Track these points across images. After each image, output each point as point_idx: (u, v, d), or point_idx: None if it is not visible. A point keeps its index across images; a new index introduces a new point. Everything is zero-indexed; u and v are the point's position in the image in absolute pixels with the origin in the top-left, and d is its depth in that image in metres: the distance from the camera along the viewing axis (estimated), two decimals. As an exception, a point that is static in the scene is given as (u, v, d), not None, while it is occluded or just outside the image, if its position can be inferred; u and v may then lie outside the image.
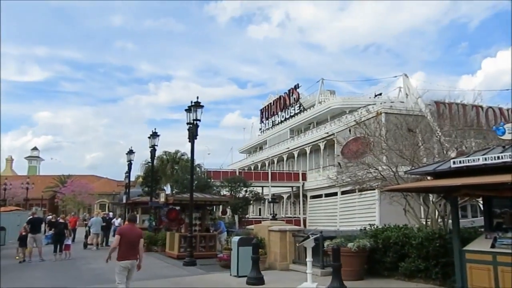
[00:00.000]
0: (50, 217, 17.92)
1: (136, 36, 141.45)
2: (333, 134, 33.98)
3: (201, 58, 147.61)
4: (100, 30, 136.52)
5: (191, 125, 14.06)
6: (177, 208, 15.81)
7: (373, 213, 28.23)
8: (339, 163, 16.25)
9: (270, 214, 13.91)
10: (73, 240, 18.73)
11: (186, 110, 14.38)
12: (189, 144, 14.05)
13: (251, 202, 30.53)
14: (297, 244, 9.89)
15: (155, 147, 19.43)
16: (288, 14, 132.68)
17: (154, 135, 19.29)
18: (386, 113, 28.21)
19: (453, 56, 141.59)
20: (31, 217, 14.57)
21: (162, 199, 15.78)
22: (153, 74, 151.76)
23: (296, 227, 13.43)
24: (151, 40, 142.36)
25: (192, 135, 13.85)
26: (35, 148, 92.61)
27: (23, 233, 13.87)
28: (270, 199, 13.69)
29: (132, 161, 24.53)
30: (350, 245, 10.32)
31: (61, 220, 15.24)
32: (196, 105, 13.78)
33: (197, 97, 13.97)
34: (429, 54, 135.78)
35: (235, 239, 11.15)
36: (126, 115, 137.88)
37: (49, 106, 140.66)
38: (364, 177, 14.33)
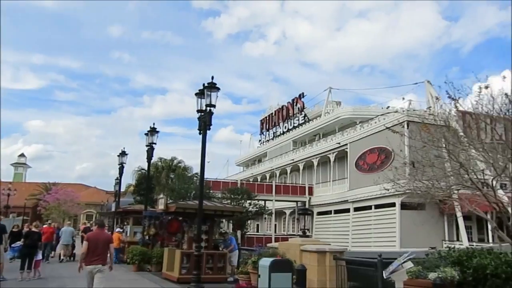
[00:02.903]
0: (25, 228, 14.75)
1: (133, 47, 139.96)
2: (346, 144, 31.23)
3: (197, 72, 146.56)
4: (98, 40, 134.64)
5: (202, 113, 11.11)
6: (179, 218, 12.70)
7: (393, 232, 25.27)
8: (412, 162, 13.09)
9: (300, 230, 10.87)
10: (44, 256, 15.52)
11: (196, 94, 11.45)
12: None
13: (263, 215, 27.43)
14: (384, 275, 6.79)
15: (153, 145, 16.40)
16: (285, 32, 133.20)
17: (153, 131, 16.28)
18: (409, 121, 25.46)
19: (444, 80, 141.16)
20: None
21: (161, 206, 12.67)
22: (148, 86, 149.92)
23: (337, 248, 10.38)
24: (148, 52, 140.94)
25: (205, 125, 10.88)
26: (22, 155, 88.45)
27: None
28: (298, 213, 10.64)
29: (124, 164, 21.39)
30: (432, 275, 7.33)
31: (34, 229, 12.03)
32: (211, 87, 10.85)
33: (212, 77, 11.04)
34: (422, 77, 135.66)
35: (265, 262, 8.12)
36: (119, 126, 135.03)
37: (41, 115, 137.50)
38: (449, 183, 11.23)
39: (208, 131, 11.09)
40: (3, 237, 11.24)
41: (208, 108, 10.96)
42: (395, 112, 28.17)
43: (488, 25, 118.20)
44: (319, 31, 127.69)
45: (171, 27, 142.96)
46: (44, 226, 17.79)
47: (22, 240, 12.10)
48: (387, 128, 19.50)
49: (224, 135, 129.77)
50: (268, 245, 12.03)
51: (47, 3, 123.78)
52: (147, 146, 16.52)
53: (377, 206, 27.06)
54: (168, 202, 12.82)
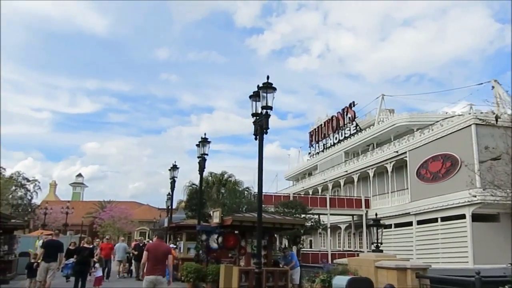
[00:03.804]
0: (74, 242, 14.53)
1: (179, 68, 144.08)
2: (405, 153, 29.23)
3: (241, 90, 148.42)
4: (146, 62, 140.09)
5: (257, 117, 10.22)
6: (236, 232, 11.78)
7: (464, 247, 22.91)
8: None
9: (373, 244, 9.58)
10: (105, 273, 15.22)
11: (251, 97, 10.60)
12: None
13: (318, 229, 26.04)
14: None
15: (205, 156, 15.73)
16: (328, 45, 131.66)
17: (204, 141, 15.63)
18: (476, 124, 23.27)
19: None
20: (45, 240, 11.10)
21: (215, 219, 11.84)
22: (195, 105, 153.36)
23: (420, 264, 8.98)
24: (194, 72, 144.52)
25: (261, 128, 9.96)
26: (79, 175, 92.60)
27: (32, 260, 10.38)
28: (368, 225, 9.40)
29: (175, 178, 20.96)
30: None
31: (85, 245, 11.60)
32: (267, 87, 9.97)
33: (268, 77, 10.17)
34: (473, 84, 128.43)
35: (341, 280, 6.99)
36: (168, 145, 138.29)
37: (96, 137, 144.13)
38: None
39: (265, 135, 10.15)
40: (59, 255, 10.84)
41: (264, 111, 10.08)
42: (460, 115, 25.99)
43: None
44: (363, 42, 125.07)
45: (216, 47, 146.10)
46: (103, 242, 17.63)
47: (75, 256, 11.70)
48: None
49: (270, 151, 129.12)
50: (336, 261, 10.79)
51: (98, 30, 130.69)
52: (198, 157, 15.85)
53: (444, 219, 24.79)
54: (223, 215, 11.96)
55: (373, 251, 9.72)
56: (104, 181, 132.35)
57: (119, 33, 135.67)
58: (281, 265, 11.89)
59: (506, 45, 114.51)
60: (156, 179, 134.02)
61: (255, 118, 10.46)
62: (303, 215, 25.33)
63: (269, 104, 10.04)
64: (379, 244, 9.64)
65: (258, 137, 10.16)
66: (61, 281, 12.75)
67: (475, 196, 19.82)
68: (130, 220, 56.38)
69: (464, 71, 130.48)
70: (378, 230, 9.69)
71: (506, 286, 6.45)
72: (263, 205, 24.66)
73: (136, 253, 16.97)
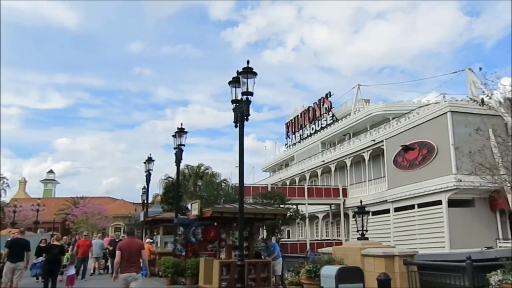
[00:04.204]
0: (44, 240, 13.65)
1: (153, 62, 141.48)
2: (381, 141, 29.37)
3: (217, 83, 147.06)
4: (119, 57, 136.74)
5: (237, 103, 9.79)
6: (215, 224, 11.34)
7: (441, 232, 23.21)
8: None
9: (358, 231, 9.34)
10: (80, 272, 14.55)
11: (230, 83, 10.16)
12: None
13: (297, 219, 25.88)
14: None
15: (182, 147, 15.19)
16: (303, 39, 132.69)
17: (181, 131, 15.08)
18: (452, 111, 23.51)
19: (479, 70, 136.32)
20: (10, 238, 10.34)
21: (194, 211, 11.36)
22: (170, 99, 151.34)
23: (407, 251, 8.79)
24: (168, 66, 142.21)
25: (242, 115, 9.52)
26: (50, 171, 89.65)
27: (-4, 261, 9.67)
28: (354, 212, 9.16)
29: (151, 171, 20.33)
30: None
31: (55, 243, 10.89)
32: (247, 72, 9.54)
33: (248, 61, 9.71)
34: (444, 75, 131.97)
35: (329, 271, 6.67)
36: (143, 140, 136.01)
37: (68, 133, 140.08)
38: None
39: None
40: (26, 254, 10.12)
41: (245, 97, 9.64)
42: (436, 103, 26.20)
43: (509, 19, 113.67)
44: (337, 35, 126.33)
45: (190, 40, 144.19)
46: (80, 238, 16.82)
47: (44, 255, 10.99)
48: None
49: (246, 143, 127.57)
50: (320, 250, 10.52)
51: (68, 25, 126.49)
52: (175, 148, 15.34)
53: (420, 205, 25.06)
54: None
55: (358, 239, 9.48)
56: (77, 178, 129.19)
57: (90, 27, 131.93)
58: (263, 257, 11.56)
59: (474, 37, 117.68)
60: (130, 174, 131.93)
61: (235, 105, 10.04)
62: (281, 206, 25.07)
63: (250, 90, 9.63)
64: (364, 232, 9.42)
65: (238, 124, 9.74)
66: (30, 281, 11.99)
67: (460, 181, 20.10)
68: (104, 216, 54.99)
69: (434, 63, 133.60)
70: (364, 218, 9.46)
71: (498, 270, 6.29)
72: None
73: (111, 248, 16.31)
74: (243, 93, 9.64)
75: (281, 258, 12.00)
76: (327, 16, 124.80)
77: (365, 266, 8.54)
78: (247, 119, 9.62)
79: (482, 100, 11.24)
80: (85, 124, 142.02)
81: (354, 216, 9.97)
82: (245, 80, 9.67)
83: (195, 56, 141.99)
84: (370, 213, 30.53)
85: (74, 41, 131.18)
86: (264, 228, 25.03)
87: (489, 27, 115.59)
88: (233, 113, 9.96)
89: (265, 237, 15.28)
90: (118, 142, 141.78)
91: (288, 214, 25.88)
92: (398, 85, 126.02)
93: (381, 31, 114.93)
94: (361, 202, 10.12)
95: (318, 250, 11.27)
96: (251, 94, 9.62)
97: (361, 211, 9.60)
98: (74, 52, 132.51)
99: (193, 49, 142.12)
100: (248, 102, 9.55)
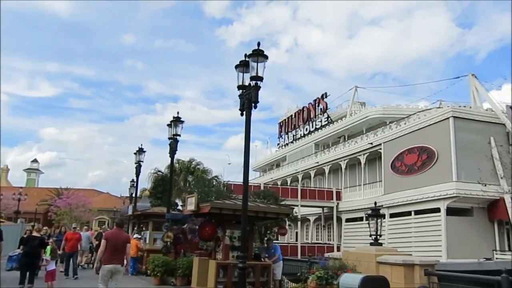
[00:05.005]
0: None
1: (146, 55, 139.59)
2: (379, 145, 28.69)
3: (209, 80, 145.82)
4: (111, 48, 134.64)
5: (244, 89, 8.89)
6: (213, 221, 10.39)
7: (438, 241, 22.58)
8: None
9: (371, 236, 8.49)
10: (69, 269, 13.43)
11: (237, 66, 9.27)
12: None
13: (287, 221, 25.02)
14: None
15: (177, 137, 14.22)
16: (297, 40, 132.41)
17: (177, 120, 14.12)
18: (455, 117, 22.90)
19: (459, 87, 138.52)
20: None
21: (190, 206, 10.40)
22: (161, 94, 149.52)
23: (428, 260, 7.96)
24: (161, 60, 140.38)
25: (249, 102, 8.62)
26: (34, 161, 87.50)
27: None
28: (367, 214, 8.28)
29: (141, 163, 19.29)
30: None
31: (34, 234, 9.84)
32: (257, 54, 8.65)
33: (258, 44, 8.81)
34: (435, 84, 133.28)
35: (351, 279, 5.81)
36: (132, 134, 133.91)
37: (56, 122, 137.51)
38: None
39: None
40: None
41: (253, 82, 8.74)
42: (438, 107, 25.61)
43: (502, 32, 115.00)
44: (331, 39, 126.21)
45: (184, 36, 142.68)
46: (69, 231, 15.54)
47: (21, 247, 9.93)
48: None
49: (235, 143, 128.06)
50: (328, 254, 9.66)
51: (61, 13, 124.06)
52: (170, 138, 14.36)
53: (418, 212, 24.42)
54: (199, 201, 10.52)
55: (371, 244, 8.64)
56: (62, 168, 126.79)
57: (83, 16, 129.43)
58: (263, 259, 10.65)
59: (465, 49, 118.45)
60: (118, 168, 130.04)
61: (241, 90, 9.13)
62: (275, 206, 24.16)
63: (260, 75, 8.73)
64: (378, 236, 8.59)
65: (245, 112, 8.83)
66: (5, 275, 10.89)
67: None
68: (89, 209, 53.43)
69: (425, 71, 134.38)
70: (378, 221, 8.62)
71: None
72: (234, 195, 23.37)
73: (97, 242, 15.21)
74: (252, 78, 8.75)
75: (281, 261, 11.12)
76: (322, 19, 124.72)
77: (381, 274, 7.71)
78: (255, 106, 8.72)
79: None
80: (73, 114, 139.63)
81: (367, 219, 9.10)
82: (255, 64, 8.77)
83: (188, 52, 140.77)
84: (364, 218, 29.92)
85: (66, 29, 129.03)
86: (256, 229, 24.10)
87: (481, 40, 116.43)
88: (234, 104, 9.06)
89: (269, 237, 14.34)
90: (107, 134, 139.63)
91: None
92: (390, 92, 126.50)
93: (375, 37, 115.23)
94: (375, 204, 9.28)
95: (326, 254, 10.41)
96: (261, 79, 8.72)
97: (376, 213, 8.76)
98: (66, 40, 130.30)
99: (187, 44, 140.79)
100: (257, 87, 8.65)
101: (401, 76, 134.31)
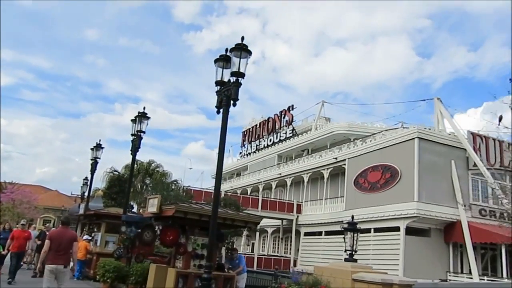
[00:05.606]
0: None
1: (109, 52, 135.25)
2: (343, 160, 28.74)
3: (172, 84, 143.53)
4: (72, 41, 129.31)
5: (222, 86, 8.25)
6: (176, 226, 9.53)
7: (395, 260, 22.65)
8: None
9: (346, 251, 8.01)
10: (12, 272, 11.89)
11: (216, 61, 8.62)
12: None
13: (244, 231, 24.39)
14: None
15: (141, 134, 13.27)
16: (264, 53, 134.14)
17: (142, 116, 13.19)
18: (420, 138, 23.28)
19: (415, 113, 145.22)
20: None
21: (151, 208, 9.51)
22: (121, 94, 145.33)
23: (406, 279, 7.57)
24: (124, 59, 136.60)
25: (228, 99, 7.97)
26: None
27: None
28: (343, 228, 7.82)
29: (98, 160, 18.01)
30: None
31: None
32: (241, 49, 8.03)
33: (242, 38, 8.22)
34: (393, 108, 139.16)
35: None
36: (87, 132, 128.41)
37: (4, 112, 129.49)
38: None
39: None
40: None
41: (233, 78, 8.11)
42: (404, 128, 26.00)
43: (457, 64, 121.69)
44: (297, 55, 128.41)
45: (151, 37, 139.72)
46: (15, 228, 13.85)
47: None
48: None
49: (195, 150, 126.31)
50: (298, 269, 9.07)
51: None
52: (133, 135, 13.36)
53: (377, 230, 24.47)
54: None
55: (346, 260, 8.17)
56: (7, 162, 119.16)
57: (46, 4, 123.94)
58: (226, 270, 9.91)
59: (423, 77, 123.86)
60: (69, 166, 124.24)
61: (219, 87, 8.48)
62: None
63: (241, 71, 8.12)
64: (353, 252, 8.12)
65: (222, 109, 8.17)
66: None
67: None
68: (34, 206, 50.14)
69: (384, 94, 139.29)
70: (355, 235, 8.16)
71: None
72: (194, 201, 22.35)
73: (39, 242, 13.77)
74: (232, 74, 8.13)
75: (245, 273, 10.42)
76: (290, 35, 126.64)
77: (357, 293, 7.23)
78: (234, 104, 8.08)
79: (500, 118, 10.50)
80: (25, 106, 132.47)
81: (343, 232, 8.60)
82: (237, 59, 8.17)
83: (153, 54, 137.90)
84: (324, 233, 29.77)
85: (27, 16, 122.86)
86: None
87: (437, 70, 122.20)
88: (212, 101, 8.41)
89: (234, 246, 13.58)
90: (59, 130, 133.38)
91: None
92: (351, 111, 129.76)
93: (339, 57, 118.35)
94: (352, 217, 8.83)
95: (295, 268, 9.82)
96: (243, 75, 8.12)
97: (353, 227, 8.30)
98: (24, 28, 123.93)
99: (153, 46, 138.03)
100: (238, 84, 8.03)
101: (361, 97, 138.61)
